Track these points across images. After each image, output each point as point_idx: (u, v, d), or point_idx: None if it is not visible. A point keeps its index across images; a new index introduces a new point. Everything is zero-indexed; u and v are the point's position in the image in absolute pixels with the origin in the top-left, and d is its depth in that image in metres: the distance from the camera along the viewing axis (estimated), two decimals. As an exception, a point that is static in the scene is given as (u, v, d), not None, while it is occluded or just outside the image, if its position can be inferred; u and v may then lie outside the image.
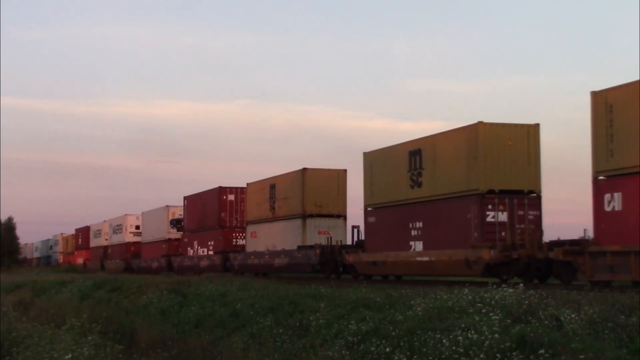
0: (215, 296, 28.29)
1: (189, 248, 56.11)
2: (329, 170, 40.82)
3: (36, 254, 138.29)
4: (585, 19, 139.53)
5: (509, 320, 14.92)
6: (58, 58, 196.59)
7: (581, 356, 12.13)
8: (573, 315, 14.46)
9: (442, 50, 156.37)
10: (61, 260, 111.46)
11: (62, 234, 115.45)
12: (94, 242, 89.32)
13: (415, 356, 14.52)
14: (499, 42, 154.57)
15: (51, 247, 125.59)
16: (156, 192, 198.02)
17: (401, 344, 15.39)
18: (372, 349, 15.82)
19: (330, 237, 38.78)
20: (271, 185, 43.67)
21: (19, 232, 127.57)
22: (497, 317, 15.08)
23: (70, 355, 16.99)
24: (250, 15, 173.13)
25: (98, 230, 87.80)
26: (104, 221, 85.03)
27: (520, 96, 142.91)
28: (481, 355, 13.14)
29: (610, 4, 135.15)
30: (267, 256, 42.70)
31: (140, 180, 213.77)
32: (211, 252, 51.27)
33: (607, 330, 13.55)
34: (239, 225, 49.64)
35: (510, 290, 18.13)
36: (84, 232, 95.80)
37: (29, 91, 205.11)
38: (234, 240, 49.63)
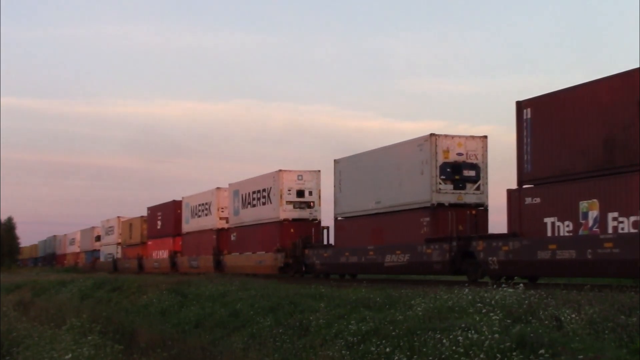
0: (215, 296, 28.23)
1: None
2: None
3: (72, 249, 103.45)
4: (585, 19, 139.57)
5: (509, 320, 14.90)
6: (58, 58, 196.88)
7: (581, 356, 12.11)
8: (573, 315, 14.43)
9: (442, 50, 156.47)
10: (119, 255, 77.12)
11: (119, 217, 79.02)
12: (192, 224, 55.28)
13: (415, 356, 14.51)
14: (499, 42, 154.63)
15: (98, 239, 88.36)
16: (156, 192, 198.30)
17: (401, 344, 15.37)
18: (372, 349, 15.81)
19: None
20: None
21: (18, 232, 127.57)
22: (497, 317, 15.06)
23: (70, 355, 17.00)
24: (250, 15, 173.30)
25: (203, 205, 52.72)
26: (217, 188, 50.96)
27: (520, 96, 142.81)
28: (481, 355, 13.12)
29: (610, 3, 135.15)
30: None
31: (141, 180, 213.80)
32: None
33: (607, 330, 13.52)
34: None
35: (511, 290, 18.12)
36: (166, 211, 61.15)
37: (29, 91, 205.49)
38: None
